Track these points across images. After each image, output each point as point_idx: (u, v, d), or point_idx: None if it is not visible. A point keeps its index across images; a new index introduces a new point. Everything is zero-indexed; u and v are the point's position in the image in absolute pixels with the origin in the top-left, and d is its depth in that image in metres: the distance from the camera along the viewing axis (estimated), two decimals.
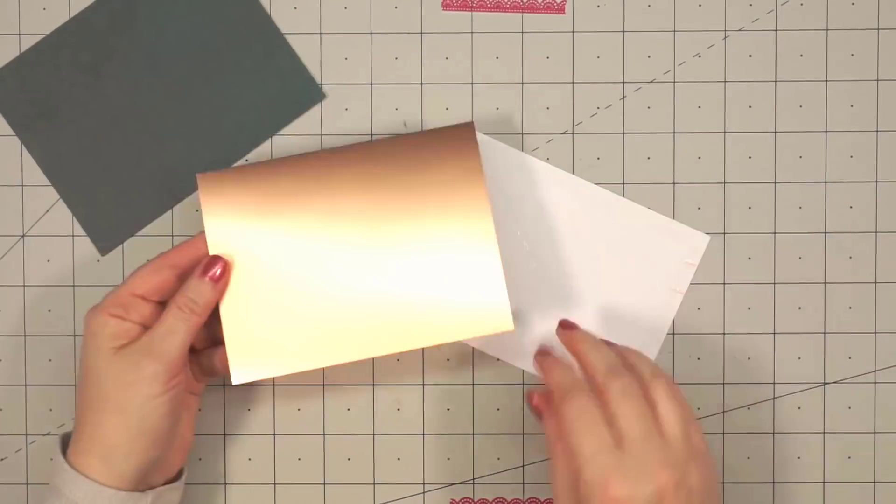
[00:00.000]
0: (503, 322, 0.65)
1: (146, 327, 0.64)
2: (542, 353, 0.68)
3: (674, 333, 0.71)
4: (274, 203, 0.65)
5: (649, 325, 0.70)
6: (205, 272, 0.64)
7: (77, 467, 0.62)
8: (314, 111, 0.71)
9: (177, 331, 0.63)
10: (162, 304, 0.65)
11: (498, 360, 0.71)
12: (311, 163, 0.66)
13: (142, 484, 0.63)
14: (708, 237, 0.70)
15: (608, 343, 0.65)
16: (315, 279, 0.65)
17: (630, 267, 0.70)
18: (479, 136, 0.70)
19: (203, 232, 0.66)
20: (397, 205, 0.65)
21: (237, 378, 0.65)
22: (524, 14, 0.71)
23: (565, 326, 0.67)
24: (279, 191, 0.65)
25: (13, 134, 0.71)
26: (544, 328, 0.70)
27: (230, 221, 0.65)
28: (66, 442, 0.64)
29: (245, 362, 0.65)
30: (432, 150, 0.66)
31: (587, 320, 0.70)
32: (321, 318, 0.65)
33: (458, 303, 0.65)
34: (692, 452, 0.59)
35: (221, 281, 0.64)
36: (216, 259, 0.65)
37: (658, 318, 0.70)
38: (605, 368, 0.62)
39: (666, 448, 0.59)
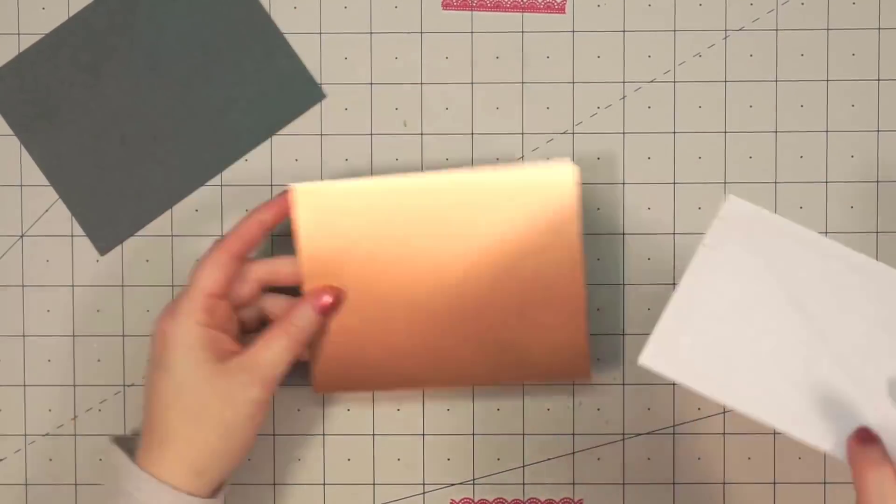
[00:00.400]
0: (581, 371, 0.67)
1: (226, 331, 0.64)
2: (862, 441, 0.59)
3: None
4: (368, 226, 0.65)
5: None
6: (315, 301, 0.64)
7: (161, 477, 0.61)
8: (314, 111, 0.71)
9: (284, 360, 0.63)
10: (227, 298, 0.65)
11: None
12: (409, 189, 0.65)
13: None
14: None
15: None
16: (401, 307, 0.66)
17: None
18: (748, 207, 0.61)
19: (255, 213, 0.65)
20: (488, 244, 0.65)
21: (318, 389, 0.68)
22: (524, 14, 0.71)
23: (861, 440, 0.58)
24: (374, 214, 0.65)
25: (12, 134, 0.71)
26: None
27: (323, 239, 0.65)
28: (125, 447, 0.63)
29: (328, 377, 0.67)
30: (528, 191, 0.65)
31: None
32: (402, 344, 0.66)
33: (540, 346, 0.66)
34: None
35: (331, 313, 0.65)
36: (327, 289, 0.65)
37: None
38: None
39: None
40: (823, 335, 0.59)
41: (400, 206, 0.65)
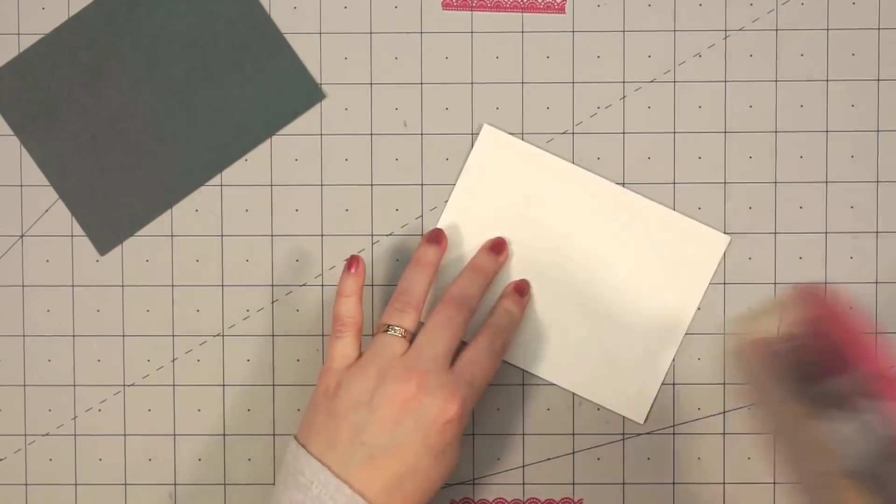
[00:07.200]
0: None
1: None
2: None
3: None
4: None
5: (664, 329, 0.70)
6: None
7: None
8: (314, 111, 0.71)
9: None
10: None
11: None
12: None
13: None
14: (728, 237, 0.70)
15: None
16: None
17: (649, 269, 0.70)
18: (500, 133, 0.70)
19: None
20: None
21: None
22: (524, 14, 0.71)
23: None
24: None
25: (12, 134, 0.71)
26: (555, 329, 0.70)
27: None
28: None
29: None
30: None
31: (601, 320, 0.70)
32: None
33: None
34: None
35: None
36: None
37: (673, 322, 0.70)
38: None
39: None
40: (566, 268, 0.70)
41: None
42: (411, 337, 0.64)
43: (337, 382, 0.63)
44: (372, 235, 0.71)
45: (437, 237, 0.68)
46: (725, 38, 0.70)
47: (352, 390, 0.62)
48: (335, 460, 0.61)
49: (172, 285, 0.71)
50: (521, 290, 0.69)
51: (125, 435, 0.71)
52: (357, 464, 0.61)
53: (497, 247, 0.69)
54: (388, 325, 0.64)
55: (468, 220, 0.70)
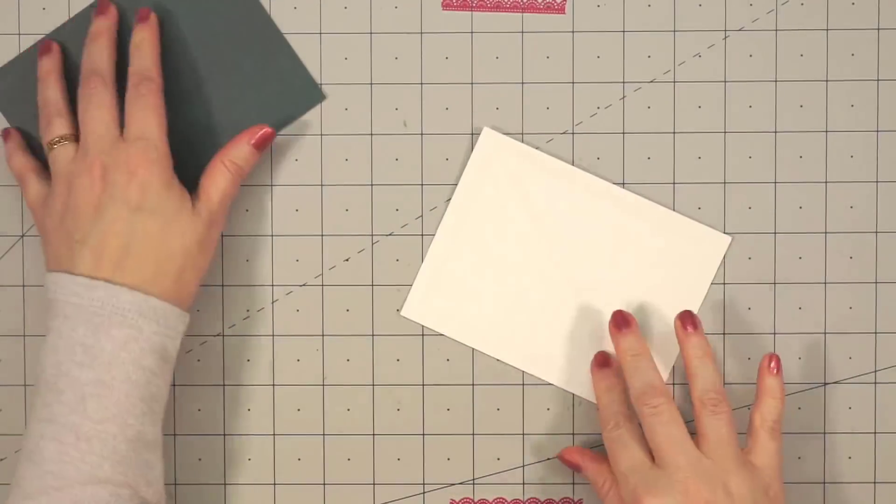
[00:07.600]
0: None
1: None
2: (600, 364, 0.69)
3: None
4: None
5: (664, 329, 0.70)
6: (250, 137, 0.67)
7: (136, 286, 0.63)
8: (314, 111, 0.71)
9: (229, 195, 0.68)
10: None
11: (498, 360, 0.71)
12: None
13: None
14: (728, 238, 0.70)
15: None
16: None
17: (650, 271, 0.70)
18: (500, 137, 0.70)
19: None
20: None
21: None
22: (524, 14, 0.71)
23: (618, 323, 0.67)
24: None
25: None
26: (555, 329, 0.70)
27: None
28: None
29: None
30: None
31: (601, 320, 0.70)
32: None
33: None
34: (733, 467, 0.63)
35: (264, 147, 0.68)
36: (262, 128, 0.68)
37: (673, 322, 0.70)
38: (636, 392, 0.65)
39: (700, 463, 0.63)
40: (567, 270, 0.70)
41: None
42: (74, 136, 0.66)
43: (41, 214, 0.66)
44: (372, 235, 0.71)
45: (47, 48, 0.69)
46: (725, 38, 0.70)
47: (53, 210, 0.65)
48: (66, 267, 0.64)
49: None
50: None
51: None
52: (81, 260, 0.63)
53: (141, 18, 0.69)
54: (49, 142, 0.66)
55: (468, 222, 0.70)
